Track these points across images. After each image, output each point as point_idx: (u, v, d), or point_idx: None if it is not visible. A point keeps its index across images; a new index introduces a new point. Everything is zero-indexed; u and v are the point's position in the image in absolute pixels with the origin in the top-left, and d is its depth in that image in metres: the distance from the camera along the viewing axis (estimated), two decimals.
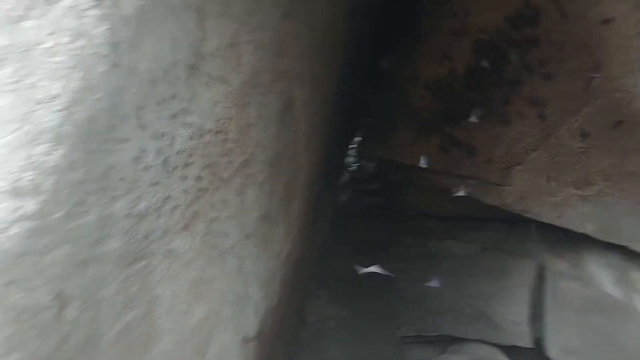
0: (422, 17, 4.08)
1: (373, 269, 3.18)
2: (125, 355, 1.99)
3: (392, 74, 4.40)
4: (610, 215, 3.82)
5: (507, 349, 3.96)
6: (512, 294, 4.00)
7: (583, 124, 3.63)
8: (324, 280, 4.67)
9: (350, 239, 5.38)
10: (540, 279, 4.16)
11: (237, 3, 2.19)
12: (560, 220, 4.02)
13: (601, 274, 4.19)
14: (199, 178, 2.17)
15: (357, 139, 5.38)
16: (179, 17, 1.93)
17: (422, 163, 4.06)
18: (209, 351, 2.32)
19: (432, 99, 4.17)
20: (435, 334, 4.10)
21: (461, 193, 3.87)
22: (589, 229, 3.92)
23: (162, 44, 1.87)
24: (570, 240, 4.30)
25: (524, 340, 3.90)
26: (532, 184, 3.99)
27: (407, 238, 4.91)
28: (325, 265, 4.89)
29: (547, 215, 4.05)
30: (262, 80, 2.42)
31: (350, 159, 6.11)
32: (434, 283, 3.99)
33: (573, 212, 3.93)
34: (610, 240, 3.89)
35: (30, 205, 1.67)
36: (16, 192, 1.64)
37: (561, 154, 3.78)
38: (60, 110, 1.65)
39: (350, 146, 5.65)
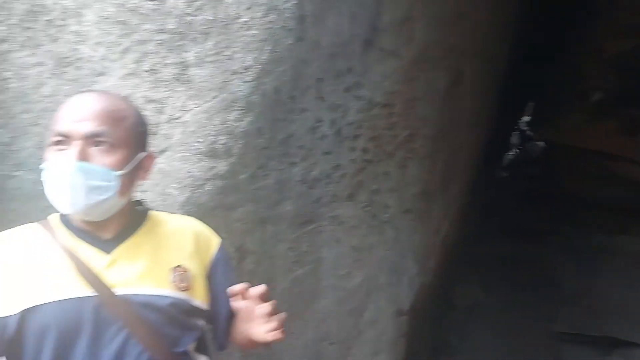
0: None
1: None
2: (295, 306, 2.18)
3: (566, 52, 4.04)
4: None
5: None
6: None
7: None
8: (476, 265, 4.54)
9: (506, 224, 5.14)
10: None
11: None
12: None
13: None
14: (365, 150, 2.25)
15: (522, 119, 5.07)
16: None
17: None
18: (365, 315, 2.43)
19: (613, 78, 3.75)
20: (597, 334, 3.77)
21: None
22: None
23: (342, 19, 1.95)
24: None
25: None
26: None
27: (569, 228, 4.52)
28: (478, 249, 4.74)
29: None
30: (431, 54, 2.40)
31: (513, 141, 5.78)
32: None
33: None
34: None
35: (222, 165, 1.90)
36: (211, 154, 1.88)
37: None
38: (251, 81, 1.83)
39: (514, 127, 5.35)
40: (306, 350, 2.23)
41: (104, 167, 0.98)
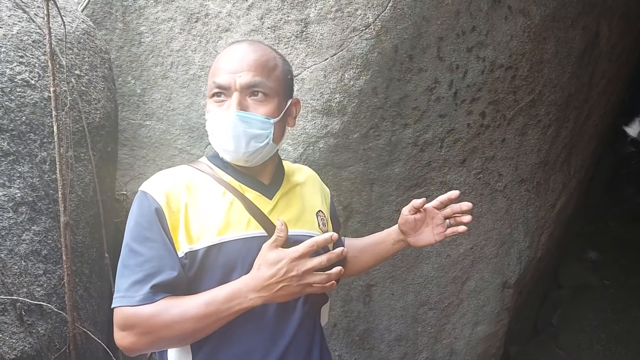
0: None
1: None
2: (397, 269, 2.19)
3: None
4: None
5: None
6: None
7: None
8: (590, 244, 4.24)
9: (627, 204, 4.71)
10: None
11: None
12: None
13: None
14: (482, 114, 2.14)
15: None
16: None
17: None
18: (467, 284, 2.37)
19: None
20: None
21: None
22: None
23: None
24: None
25: None
26: None
27: None
28: (594, 228, 4.41)
29: None
30: (566, 13, 2.19)
31: None
32: None
33: None
34: None
35: (335, 124, 1.91)
36: (326, 112, 1.89)
37: None
38: (371, 39, 1.79)
39: None
40: (405, 312, 2.24)
41: (261, 115, 1.04)
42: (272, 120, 1.06)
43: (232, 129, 1.03)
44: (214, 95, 1.05)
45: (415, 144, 2.04)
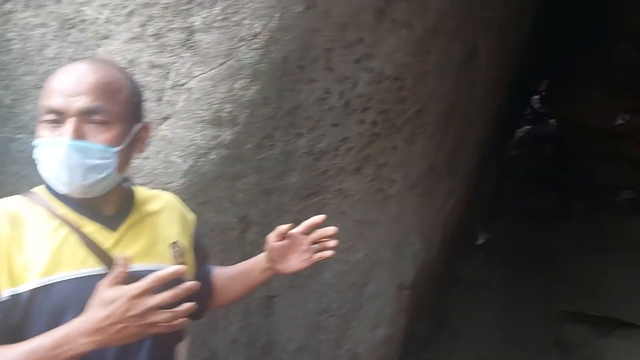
0: None
1: None
2: (297, 278, 2.18)
3: (588, 27, 3.90)
4: None
5: None
6: None
7: None
8: (483, 242, 4.53)
9: (515, 204, 5.10)
10: None
11: None
12: None
13: None
14: (374, 123, 2.21)
15: (537, 97, 4.96)
16: None
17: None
18: (366, 289, 2.43)
19: (635, 56, 3.62)
20: (598, 314, 3.76)
21: None
22: None
23: None
24: None
25: None
26: None
27: (579, 210, 4.48)
28: (485, 226, 4.72)
29: None
30: (446, 26, 2.33)
31: (526, 118, 5.69)
32: None
33: None
34: None
35: (226, 134, 1.87)
36: (216, 122, 1.85)
37: None
38: (259, 48, 1.78)
39: (527, 104, 5.25)
40: (306, 321, 2.24)
41: (101, 144, 0.95)
42: (113, 149, 0.96)
43: (65, 159, 0.92)
44: (46, 120, 0.95)
45: (310, 153, 2.06)
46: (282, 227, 1.21)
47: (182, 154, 1.84)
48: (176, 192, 1.86)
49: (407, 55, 2.19)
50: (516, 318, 3.76)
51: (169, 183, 1.86)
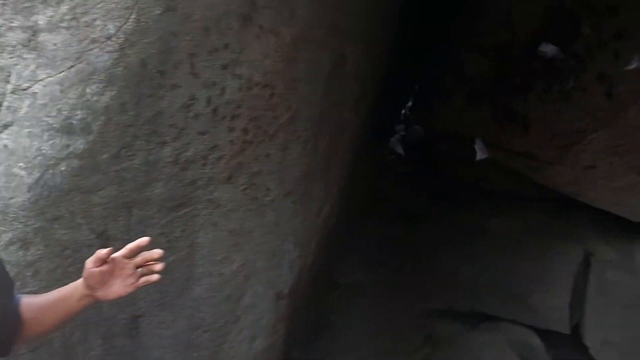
0: None
1: None
2: (166, 295, 2.06)
3: (447, 36, 4.19)
4: None
5: (542, 333, 3.88)
6: (554, 278, 3.87)
7: None
8: (358, 244, 4.67)
9: (388, 206, 5.34)
10: (585, 265, 4.01)
11: None
12: (617, 207, 3.80)
13: None
14: (245, 130, 2.17)
15: (406, 103, 5.25)
16: None
17: (479, 153, 3.95)
18: (242, 301, 2.37)
19: (488, 66, 3.96)
20: (466, 310, 4.05)
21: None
22: None
23: None
24: (623, 229, 4.10)
25: (562, 326, 3.80)
26: (590, 165, 3.78)
27: (446, 210, 4.81)
28: (360, 229, 4.88)
29: (604, 201, 3.83)
30: (314, 35, 2.36)
31: (397, 124, 6.00)
32: None
33: (635, 200, 3.71)
34: None
35: (79, 144, 1.71)
36: (66, 130, 1.69)
37: (627, 136, 3.55)
38: (114, 51, 1.66)
39: (398, 110, 5.53)
40: (176, 340, 2.13)
41: None
42: None
43: None
44: None
45: (176, 163, 1.96)
46: (102, 252, 1.13)
47: (26, 166, 1.66)
48: (21, 207, 1.69)
49: (277, 62, 2.18)
50: (391, 317, 3.92)
51: (11, 198, 1.67)
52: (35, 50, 1.63)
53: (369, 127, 3.77)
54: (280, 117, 2.33)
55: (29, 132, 1.66)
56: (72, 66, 1.64)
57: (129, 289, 1.16)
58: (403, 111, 5.41)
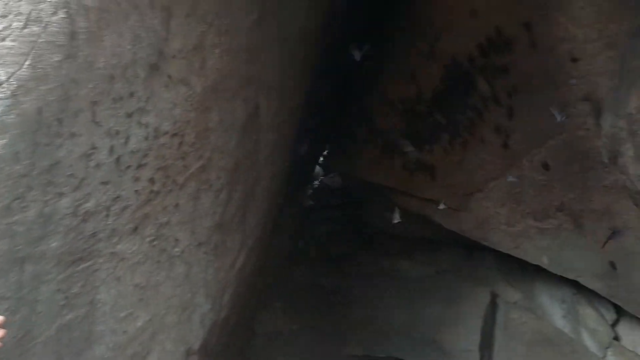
0: (395, 36, 4.11)
1: None
2: (63, 356, 1.89)
3: (361, 90, 4.39)
4: (566, 250, 3.88)
5: None
6: (464, 321, 4.02)
7: (546, 156, 3.68)
8: (279, 292, 4.61)
9: (310, 253, 5.35)
10: (492, 307, 4.20)
11: (206, 4, 2.15)
12: (517, 250, 4.07)
13: (552, 306, 4.25)
14: (151, 180, 2.11)
15: (325, 152, 5.37)
16: (143, 14, 1.87)
17: (396, 218, 4.15)
18: (149, 358, 2.23)
19: (397, 119, 4.17)
20: (382, 355, 4.06)
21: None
22: (544, 261, 3.97)
23: (123, 40, 1.81)
24: (524, 270, 4.36)
25: None
26: (492, 212, 4.03)
27: (364, 255, 4.91)
28: (281, 277, 4.83)
29: (505, 245, 4.09)
30: (227, 85, 2.38)
31: (317, 172, 6.11)
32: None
33: (530, 244, 3.97)
34: (563, 274, 3.95)
35: None
36: None
37: (522, 184, 3.83)
38: (5, 98, 1.57)
39: (318, 158, 5.65)
40: None
41: None
42: None
43: None
44: None
45: (76, 214, 1.85)
46: None
47: None
48: None
49: (187, 112, 2.17)
50: None
51: None
52: None
53: (290, 175, 3.80)
54: (191, 166, 2.29)
55: None
56: None
57: None
58: (322, 160, 5.54)
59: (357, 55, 3.90)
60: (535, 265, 4.06)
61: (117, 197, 1.97)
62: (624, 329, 4.11)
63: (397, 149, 4.20)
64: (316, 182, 6.15)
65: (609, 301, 3.99)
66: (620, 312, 4.14)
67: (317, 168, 5.90)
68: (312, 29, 3.09)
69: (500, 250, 4.15)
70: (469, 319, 4.01)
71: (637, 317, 3.90)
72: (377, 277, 4.45)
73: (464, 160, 3.97)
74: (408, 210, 4.40)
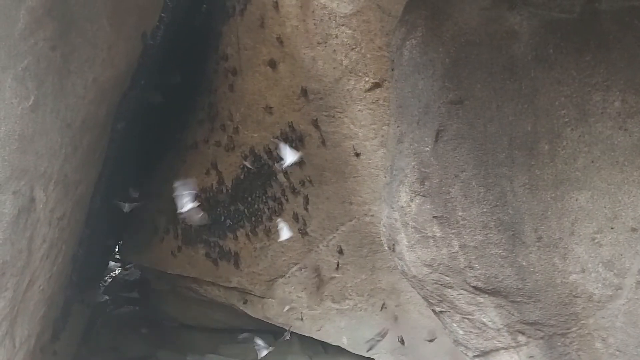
0: (194, 127, 4.16)
1: None
2: None
3: (161, 180, 4.27)
4: (362, 329, 4.10)
5: None
6: None
7: (340, 241, 3.95)
8: None
9: (105, 353, 4.79)
10: None
11: None
12: (319, 333, 4.17)
13: None
14: None
15: (120, 244, 5.00)
16: None
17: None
18: None
19: (200, 208, 4.11)
20: None
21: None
22: (344, 342, 4.13)
23: None
24: (328, 352, 4.46)
25: None
26: (294, 297, 4.12)
27: (166, 353, 4.56)
28: None
29: (307, 329, 4.17)
30: None
31: (111, 265, 5.63)
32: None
33: (331, 325, 4.11)
34: (361, 353, 4.14)
35: None
36: None
37: (321, 268, 4.02)
38: None
39: (112, 250, 5.22)
40: None
41: None
42: None
43: None
44: None
45: None
46: None
47: None
48: None
49: None
50: None
51: None
52: None
53: (77, 272, 3.42)
54: None
55: None
56: None
57: None
58: (116, 252, 5.14)
59: (126, 207, 3.86)
60: (338, 347, 4.19)
61: None
62: None
63: (199, 238, 4.11)
64: (111, 275, 5.65)
65: None
66: None
67: (114, 260, 5.46)
68: (101, 118, 2.93)
69: (304, 334, 4.22)
70: None
71: None
72: None
73: (266, 248, 4.06)
74: (214, 301, 4.26)
